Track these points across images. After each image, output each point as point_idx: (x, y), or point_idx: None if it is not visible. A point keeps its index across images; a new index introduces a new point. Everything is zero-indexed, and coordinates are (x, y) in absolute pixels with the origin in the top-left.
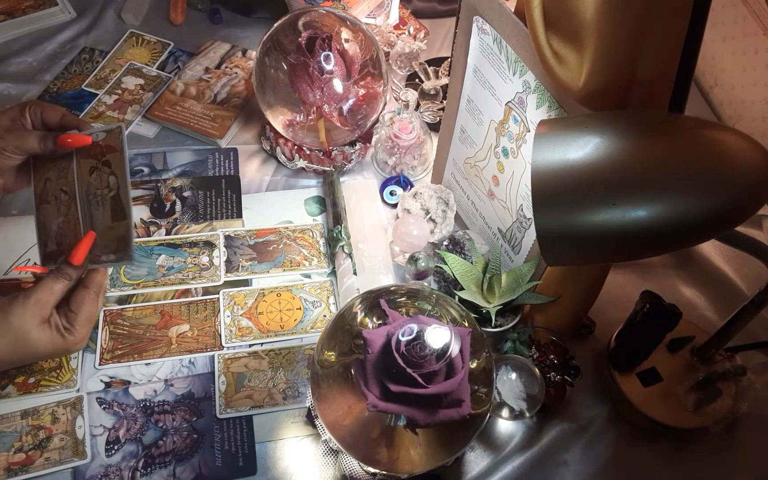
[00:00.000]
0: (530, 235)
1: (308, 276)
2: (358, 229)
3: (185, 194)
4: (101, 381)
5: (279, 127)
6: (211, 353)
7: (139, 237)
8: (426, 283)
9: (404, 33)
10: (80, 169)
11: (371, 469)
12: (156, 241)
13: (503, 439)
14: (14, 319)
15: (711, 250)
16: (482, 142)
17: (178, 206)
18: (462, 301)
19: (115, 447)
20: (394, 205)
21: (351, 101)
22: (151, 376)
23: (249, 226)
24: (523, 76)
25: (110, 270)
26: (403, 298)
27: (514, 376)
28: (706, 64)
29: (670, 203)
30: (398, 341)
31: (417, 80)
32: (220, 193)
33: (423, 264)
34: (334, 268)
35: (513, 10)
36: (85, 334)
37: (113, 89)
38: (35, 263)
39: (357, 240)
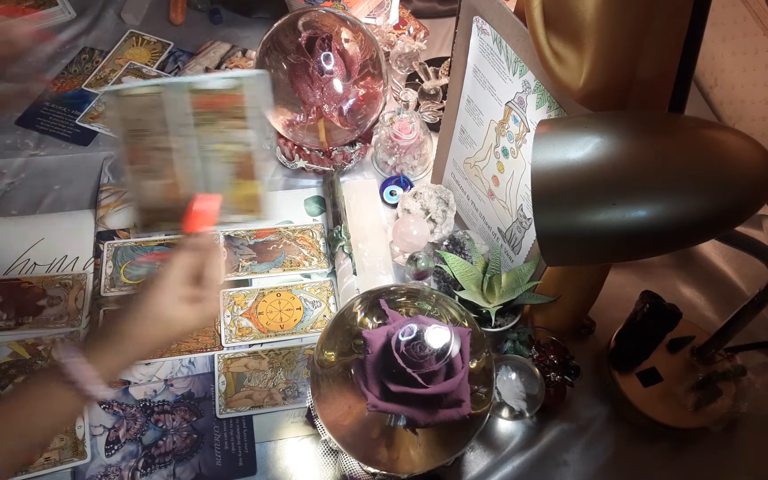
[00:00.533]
0: (530, 235)
1: (308, 276)
2: (358, 229)
3: None
4: None
5: (279, 127)
6: (211, 353)
7: (140, 237)
8: (426, 283)
9: (404, 33)
10: (194, 123)
11: (371, 469)
12: (156, 240)
13: (503, 439)
14: (154, 308)
15: (711, 250)
16: (482, 142)
17: None
18: (462, 301)
19: (115, 447)
20: (394, 205)
21: (351, 101)
22: (151, 376)
23: (249, 226)
24: (523, 76)
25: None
26: (403, 298)
27: (514, 376)
28: (706, 64)
29: (670, 203)
30: (398, 341)
31: (417, 80)
32: None
33: (423, 264)
34: (334, 268)
35: (513, 10)
36: (217, 297)
37: None
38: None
39: (357, 240)
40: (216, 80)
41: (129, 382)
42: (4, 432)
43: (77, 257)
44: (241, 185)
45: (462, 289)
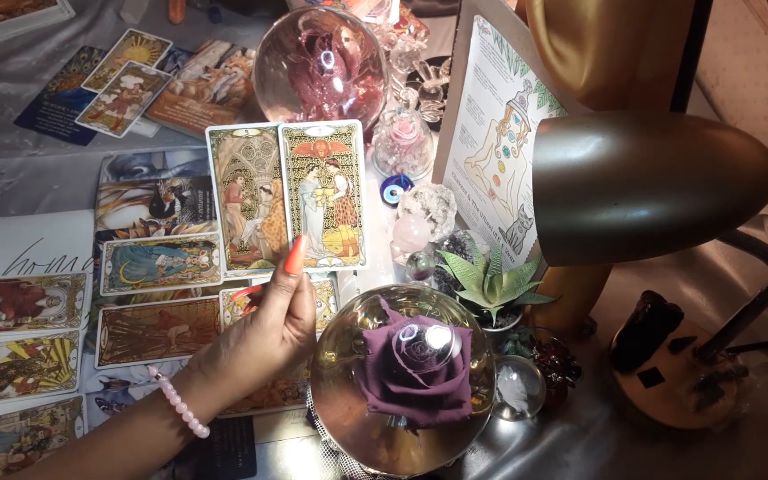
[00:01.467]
0: (531, 235)
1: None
2: None
3: (184, 194)
4: (100, 382)
5: None
6: None
7: (138, 237)
8: (426, 283)
9: (405, 32)
10: (293, 167)
11: (371, 470)
12: (155, 241)
13: (504, 440)
14: (257, 350)
15: (713, 250)
16: (483, 141)
17: (178, 206)
18: (463, 301)
19: None
20: (395, 205)
21: (351, 100)
22: (151, 377)
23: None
24: (524, 75)
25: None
26: (404, 298)
27: (515, 376)
28: (707, 63)
29: (672, 203)
30: (399, 342)
31: (417, 79)
32: None
33: (423, 264)
34: None
35: (514, 8)
36: (314, 334)
37: (112, 88)
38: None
39: None
40: (314, 128)
41: (128, 383)
42: (100, 459)
43: (76, 257)
44: (339, 230)
45: (463, 289)
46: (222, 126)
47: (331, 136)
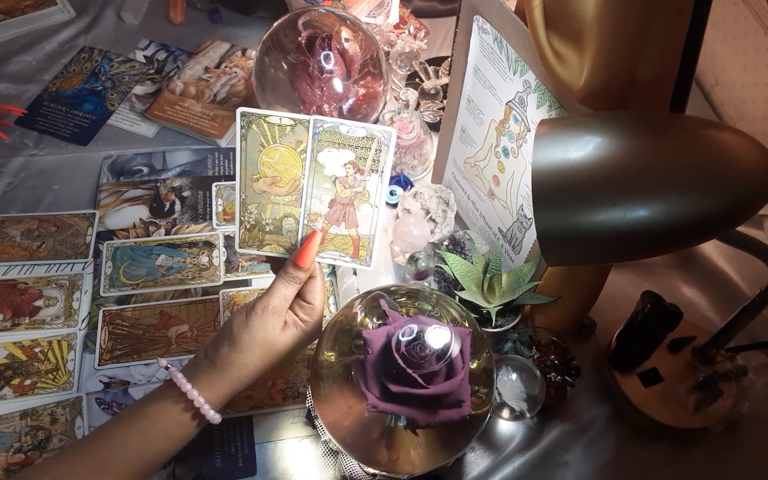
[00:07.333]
0: (531, 235)
1: None
2: None
3: (185, 194)
4: (100, 381)
5: None
6: None
7: (138, 237)
8: (426, 283)
9: (404, 32)
10: (314, 153)
11: (371, 470)
12: (155, 241)
13: (504, 440)
14: (258, 335)
15: (712, 250)
16: (483, 141)
17: (178, 206)
18: (462, 301)
19: None
20: (394, 205)
21: (351, 101)
22: (151, 376)
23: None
24: (523, 75)
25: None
26: (403, 298)
27: (514, 376)
28: (706, 63)
29: (671, 203)
30: (398, 341)
31: (417, 80)
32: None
33: (423, 264)
34: (334, 268)
35: (513, 9)
36: (321, 320)
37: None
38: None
39: None
40: (345, 126)
41: (129, 383)
42: (117, 446)
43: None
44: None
45: (462, 289)
46: (254, 109)
47: (362, 139)
